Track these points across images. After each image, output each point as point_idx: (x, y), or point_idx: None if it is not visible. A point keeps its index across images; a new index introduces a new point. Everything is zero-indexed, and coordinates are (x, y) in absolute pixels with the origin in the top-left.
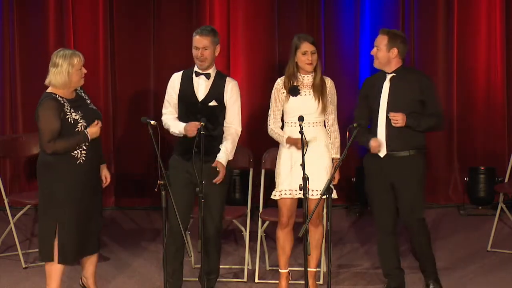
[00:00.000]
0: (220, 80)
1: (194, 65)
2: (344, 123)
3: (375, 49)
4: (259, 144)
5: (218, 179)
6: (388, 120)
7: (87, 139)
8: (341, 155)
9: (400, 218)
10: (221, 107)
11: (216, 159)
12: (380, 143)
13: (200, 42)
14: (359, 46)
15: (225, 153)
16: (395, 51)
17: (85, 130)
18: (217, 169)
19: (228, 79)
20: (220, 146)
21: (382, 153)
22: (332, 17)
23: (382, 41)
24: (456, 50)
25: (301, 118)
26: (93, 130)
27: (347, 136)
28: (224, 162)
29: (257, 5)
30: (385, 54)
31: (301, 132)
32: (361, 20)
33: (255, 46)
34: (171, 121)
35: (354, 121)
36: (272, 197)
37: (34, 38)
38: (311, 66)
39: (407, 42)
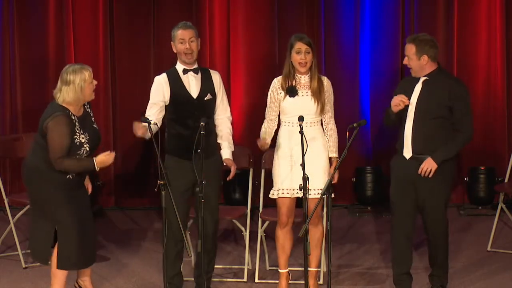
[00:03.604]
0: (205, 73)
1: (175, 65)
2: (344, 123)
3: (406, 58)
4: None
5: (231, 176)
6: (414, 123)
7: (94, 168)
8: (339, 153)
9: (422, 219)
10: (214, 100)
11: (224, 157)
12: (402, 97)
13: (186, 34)
14: (359, 46)
15: (229, 148)
16: (425, 58)
17: (93, 159)
18: (228, 166)
19: (211, 71)
20: (220, 141)
21: (408, 155)
22: (332, 17)
23: (410, 50)
24: (456, 50)
25: (301, 118)
26: (103, 159)
27: (347, 136)
28: (231, 157)
29: (257, 5)
30: (417, 63)
31: (301, 132)
32: (361, 20)
33: (255, 46)
34: None
35: (384, 119)
36: (270, 196)
37: (34, 38)
38: (305, 66)
39: (436, 44)
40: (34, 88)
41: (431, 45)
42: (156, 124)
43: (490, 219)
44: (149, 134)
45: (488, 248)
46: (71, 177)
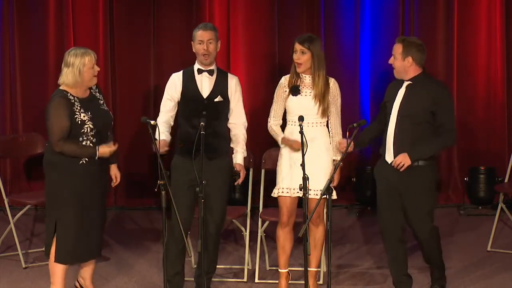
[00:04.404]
0: (222, 76)
1: (194, 64)
2: (344, 123)
3: (392, 58)
4: (259, 144)
5: (240, 181)
6: (397, 127)
7: (94, 156)
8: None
9: (410, 227)
10: (226, 102)
11: (234, 162)
12: (343, 143)
13: (205, 36)
14: (359, 46)
15: (241, 153)
16: (409, 59)
17: (97, 147)
18: (237, 170)
19: (229, 75)
20: (233, 146)
21: (390, 159)
22: (332, 17)
23: (397, 50)
24: (456, 50)
25: (301, 118)
26: (105, 150)
27: (347, 136)
28: (242, 162)
29: (257, 5)
30: (401, 63)
31: (301, 132)
32: (361, 20)
33: (255, 46)
34: (162, 125)
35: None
36: (272, 194)
37: (34, 37)
38: (299, 65)
39: (424, 49)
40: (34, 88)
41: (419, 48)
42: (156, 124)
43: (490, 219)
44: (165, 148)
45: (488, 248)
46: (84, 161)
